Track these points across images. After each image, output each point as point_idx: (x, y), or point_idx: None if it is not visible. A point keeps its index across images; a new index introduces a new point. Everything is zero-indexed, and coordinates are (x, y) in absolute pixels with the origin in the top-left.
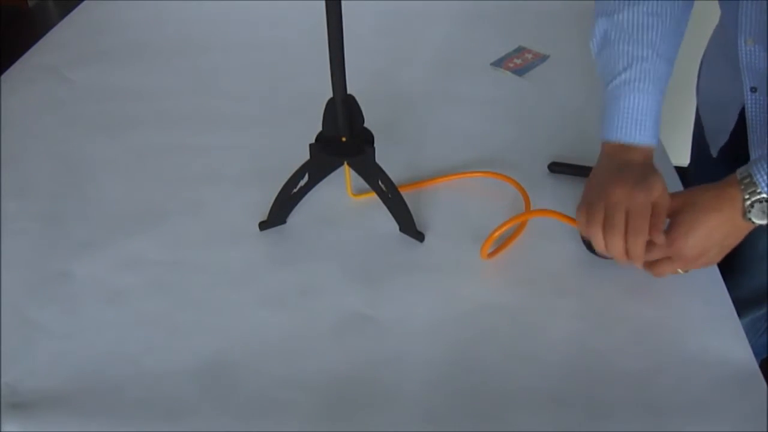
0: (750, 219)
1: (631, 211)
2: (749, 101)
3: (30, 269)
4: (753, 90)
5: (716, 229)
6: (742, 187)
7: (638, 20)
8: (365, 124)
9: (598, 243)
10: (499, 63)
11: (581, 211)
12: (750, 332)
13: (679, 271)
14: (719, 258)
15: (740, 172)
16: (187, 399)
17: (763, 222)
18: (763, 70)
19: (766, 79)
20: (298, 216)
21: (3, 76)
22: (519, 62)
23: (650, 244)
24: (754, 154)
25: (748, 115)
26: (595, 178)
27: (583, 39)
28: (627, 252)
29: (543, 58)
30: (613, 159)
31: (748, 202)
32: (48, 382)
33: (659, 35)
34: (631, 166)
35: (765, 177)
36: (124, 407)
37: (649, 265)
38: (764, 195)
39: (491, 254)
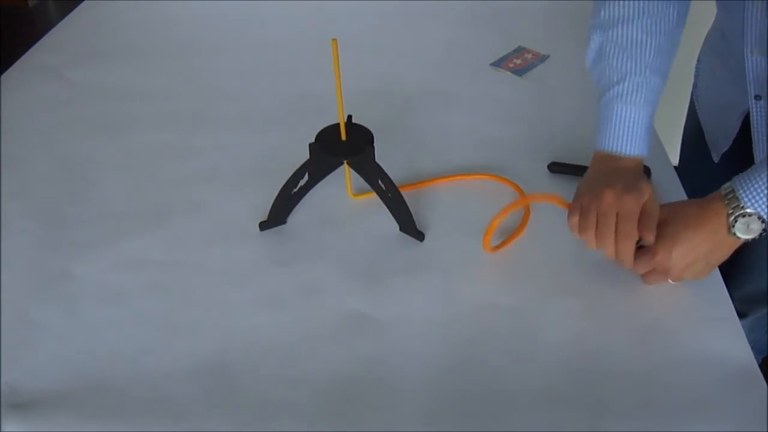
0: (734, 234)
1: (622, 216)
2: (754, 109)
3: (30, 269)
4: (758, 98)
5: (700, 244)
6: (726, 202)
7: (633, 36)
8: (365, 124)
9: (590, 245)
10: (499, 63)
11: (573, 214)
12: (753, 331)
13: (670, 281)
14: (707, 272)
15: (725, 187)
16: (187, 399)
17: (748, 237)
18: (766, 80)
19: None
20: (298, 216)
21: (3, 76)
22: (519, 62)
23: (638, 257)
24: (758, 157)
25: (753, 123)
26: (587, 183)
27: (583, 39)
28: (617, 254)
29: (543, 58)
30: (604, 165)
31: (732, 217)
32: (48, 382)
33: (653, 51)
34: (622, 172)
35: (747, 192)
36: (124, 407)
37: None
38: (748, 210)
39: (494, 249)
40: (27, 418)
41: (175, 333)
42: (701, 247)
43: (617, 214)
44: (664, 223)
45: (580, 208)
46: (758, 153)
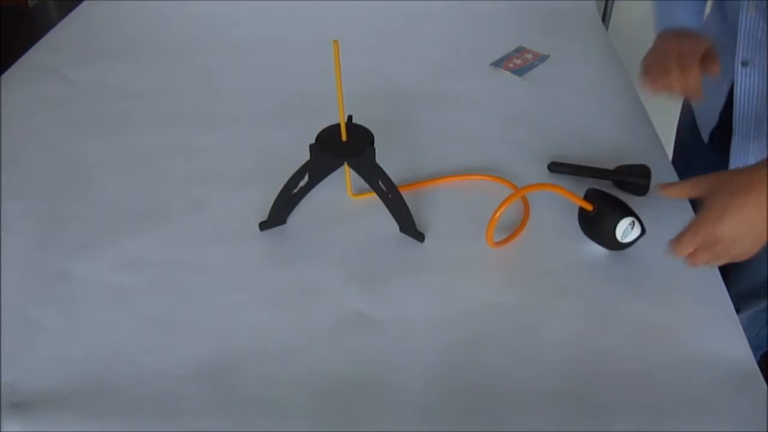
0: None
1: (683, 52)
2: (739, 77)
3: (30, 269)
4: (744, 64)
5: (750, 213)
6: None
7: None
8: (365, 124)
9: (656, 85)
10: (499, 63)
11: (642, 64)
12: (750, 326)
13: (710, 264)
14: (754, 249)
15: None
16: (187, 399)
17: None
18: (759, 40)
19: (765, 48)
20: (298, 216)
21: (3, 76)
22: (519, 62)
23: (684, 232)
24: (737, 129)
25: (736, 89)
26: (651, 49)
27: (583, 39)
28: (683, 84)
29: (543, 58)
30: (666, 35)
31: None
32: (48, 382)
33: None
34: (680, 32)
35: None
36: (124, 407)
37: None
38: None
39: (497, 244)
40: (27, 418)
41: (175, 333)
42: (750, 216)
43: (678, 53)
44: (710, 194)
45: (645, 59)
46: (738, 124)
